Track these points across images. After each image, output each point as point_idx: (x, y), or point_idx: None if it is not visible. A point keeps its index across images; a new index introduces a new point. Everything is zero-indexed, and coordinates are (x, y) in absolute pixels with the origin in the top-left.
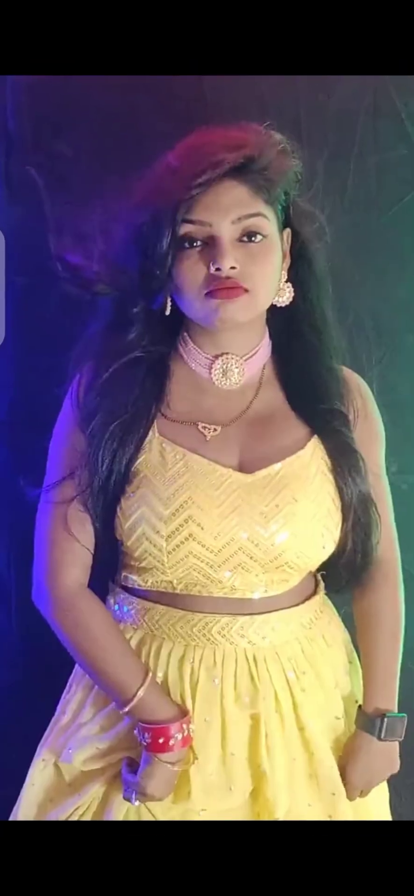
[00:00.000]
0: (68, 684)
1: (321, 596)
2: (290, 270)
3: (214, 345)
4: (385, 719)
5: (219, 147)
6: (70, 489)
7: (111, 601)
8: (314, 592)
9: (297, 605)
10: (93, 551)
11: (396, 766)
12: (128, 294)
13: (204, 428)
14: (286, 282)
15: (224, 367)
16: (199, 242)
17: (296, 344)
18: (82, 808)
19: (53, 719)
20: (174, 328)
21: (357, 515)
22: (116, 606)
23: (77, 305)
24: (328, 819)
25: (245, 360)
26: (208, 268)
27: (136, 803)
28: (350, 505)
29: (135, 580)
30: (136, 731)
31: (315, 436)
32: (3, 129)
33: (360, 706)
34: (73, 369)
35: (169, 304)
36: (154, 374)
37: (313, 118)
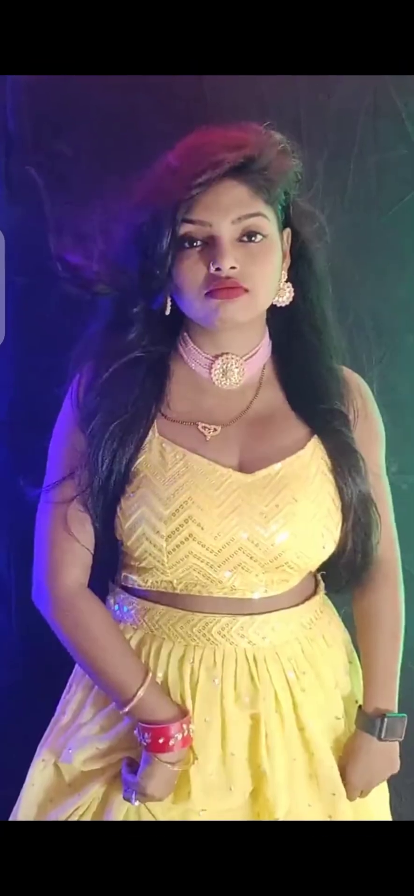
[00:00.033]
0: (68, 684)
1: (321, 596)
2: (290, 270)
3: (214, 345)
4: (385, 719)
5: (219, 147)
6: (70, 489)
7: (111, 601)
8: (314, 592)
9: (297, 605)
10: (93, 551)
11: (396, 767)
12: (128, 294)
13: (204, 428)
14: (286, 282)
15: (224, 367)
16: (199, 242)
17: (296, 344)
18: (82, 808)
19: (53, 719)
20: (174, 328)
21: (357, 515)
22: (116, 606)
23: (77, 305)
24: (328, 819)
25: (245, 360)
26: (208, 268)
27: (136, 803)
28: (350, 505)
29: (135, 580)
30: (136, 732)
31: (315, 436)
32: (3, 129)
33: (360, 706)
34: (73, 369)
35: (169, 304)
36: (154, 374)
37: (313, 118)
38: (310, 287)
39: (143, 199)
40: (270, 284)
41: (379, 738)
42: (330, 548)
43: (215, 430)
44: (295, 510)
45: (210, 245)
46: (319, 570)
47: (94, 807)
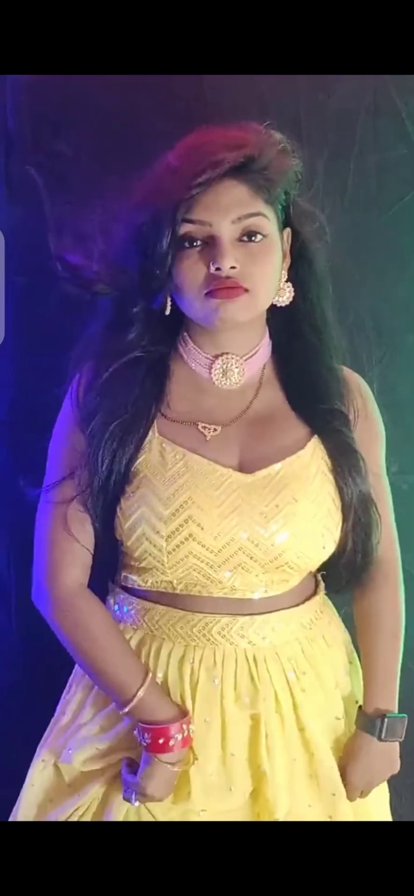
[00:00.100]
0: (68, 684)
1: (321, 596)
2: (290, 270)
3: (214, 345)
4: (385, 720)
5: (219, 146)
6: (70, 489)
7: (111, 601)
8: (314, 593)
9: (297, 605)
10: (93, 551)
11: (396, 767)
12: (128, 294)
13: (204, 428)
14: (286, 281)
15: (224, 366)
16: (199, 242)
17: (296, 344)
18: (82, 808)
19: (53, 720)
20: (174, 328)
21: (357, 515)
22: (116, 606)
23: (77, 305)
24: (328, 819)
25: (245, 360)
26: (208, 267)
27: (136, 804)
28: (350, 505)
29: (135, 580)
30: (135, 732)
31: (315, 436)
32: (3, 129)
33: (360, 707)
34: (73, 369)
35: (169, 303)
36: (154, 374)
37: (313, 118)
38: (310, 287)
39: (143, 199)
40: (270, 284)
41: (379, 739)
42: (330, 548)
43: (215, 430)
44: (295, 510)
45: (210, 245)
46: (319, 570)
47: (94, 807)
